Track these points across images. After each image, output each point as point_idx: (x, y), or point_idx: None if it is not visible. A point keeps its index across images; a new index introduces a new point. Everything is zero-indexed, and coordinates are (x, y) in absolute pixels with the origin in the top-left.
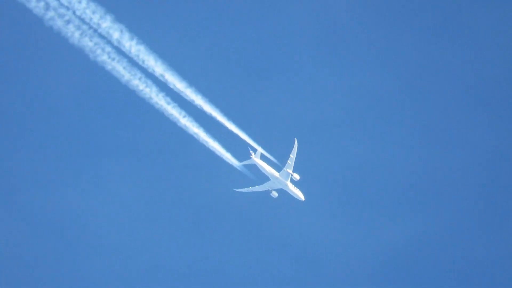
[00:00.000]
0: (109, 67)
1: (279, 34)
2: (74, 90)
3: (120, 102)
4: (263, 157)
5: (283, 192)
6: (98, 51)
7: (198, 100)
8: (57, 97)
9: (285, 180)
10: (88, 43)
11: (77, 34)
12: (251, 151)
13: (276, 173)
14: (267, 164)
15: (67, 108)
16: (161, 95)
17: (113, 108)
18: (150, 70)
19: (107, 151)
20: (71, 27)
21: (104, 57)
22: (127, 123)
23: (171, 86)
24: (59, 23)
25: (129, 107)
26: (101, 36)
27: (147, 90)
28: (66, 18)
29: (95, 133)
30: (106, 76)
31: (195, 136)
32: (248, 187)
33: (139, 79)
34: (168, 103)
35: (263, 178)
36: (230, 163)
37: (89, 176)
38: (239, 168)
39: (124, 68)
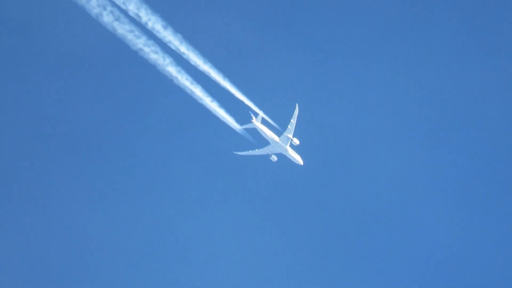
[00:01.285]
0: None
1: None
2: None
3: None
4: (264, 122)
5: (282, 156)
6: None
7: (200, 62)
8: None
9: (285, 144)
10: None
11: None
12: (252, 115)
13: (276, 138)
14: (268, 128)
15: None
16: (165, 57)
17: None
18: (154, 32)
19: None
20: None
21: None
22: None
23: (174, 48)
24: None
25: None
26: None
27: (154, 54)
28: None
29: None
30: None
31: (197, 98)
32: (248, 150)
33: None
34: (172, 65)
35: (263, 142)
36: (231, 126)
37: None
38: (239, 132)
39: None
